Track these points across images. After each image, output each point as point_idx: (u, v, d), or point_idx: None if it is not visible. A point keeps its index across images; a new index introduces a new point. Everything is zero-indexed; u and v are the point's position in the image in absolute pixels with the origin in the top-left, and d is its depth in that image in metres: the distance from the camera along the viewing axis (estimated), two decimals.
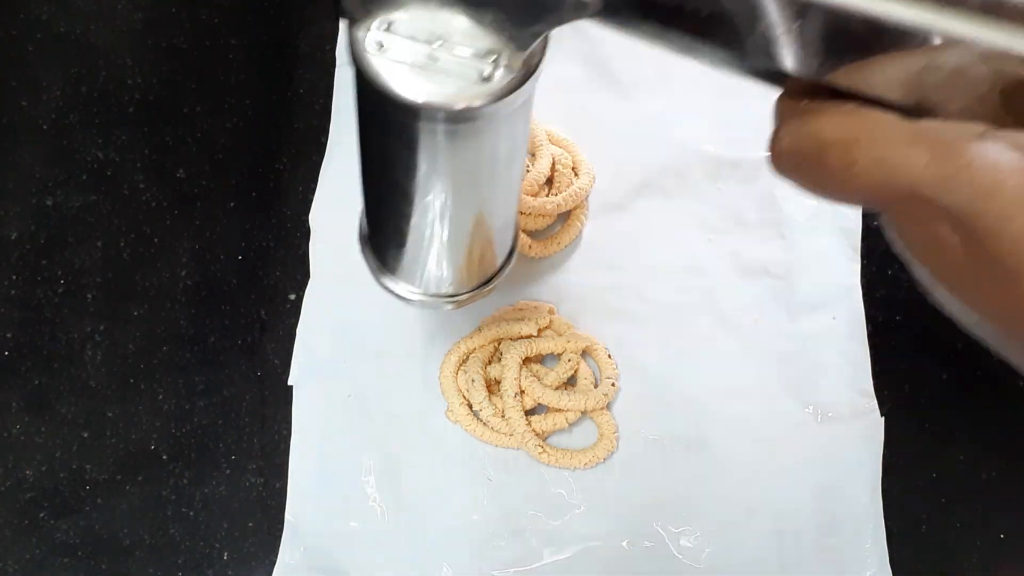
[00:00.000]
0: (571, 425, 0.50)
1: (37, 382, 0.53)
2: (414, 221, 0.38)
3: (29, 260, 0.55)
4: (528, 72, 0.30)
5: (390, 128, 0.32)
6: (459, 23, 0.30)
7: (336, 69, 0.59)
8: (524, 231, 0.54)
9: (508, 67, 0.30)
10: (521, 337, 0.50)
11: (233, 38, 0.61)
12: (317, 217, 0.56)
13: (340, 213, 0.56)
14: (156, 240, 0.56)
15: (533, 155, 0.56)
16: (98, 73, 0.60)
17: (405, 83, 0.29)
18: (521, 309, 0.52)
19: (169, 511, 0.50)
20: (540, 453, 0.49)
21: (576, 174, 0.55)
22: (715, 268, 0.53)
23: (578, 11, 0.30)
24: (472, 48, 0.30)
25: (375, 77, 0.29)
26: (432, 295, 0.44)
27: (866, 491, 0.48)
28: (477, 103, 0.29)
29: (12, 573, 0.49)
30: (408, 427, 0.51)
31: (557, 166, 0.55)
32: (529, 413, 0.50)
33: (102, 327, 0.54)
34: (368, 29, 0.30)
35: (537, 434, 0.49)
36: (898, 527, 0.48)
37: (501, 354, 0.51)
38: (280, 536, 0.49)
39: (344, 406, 0.52)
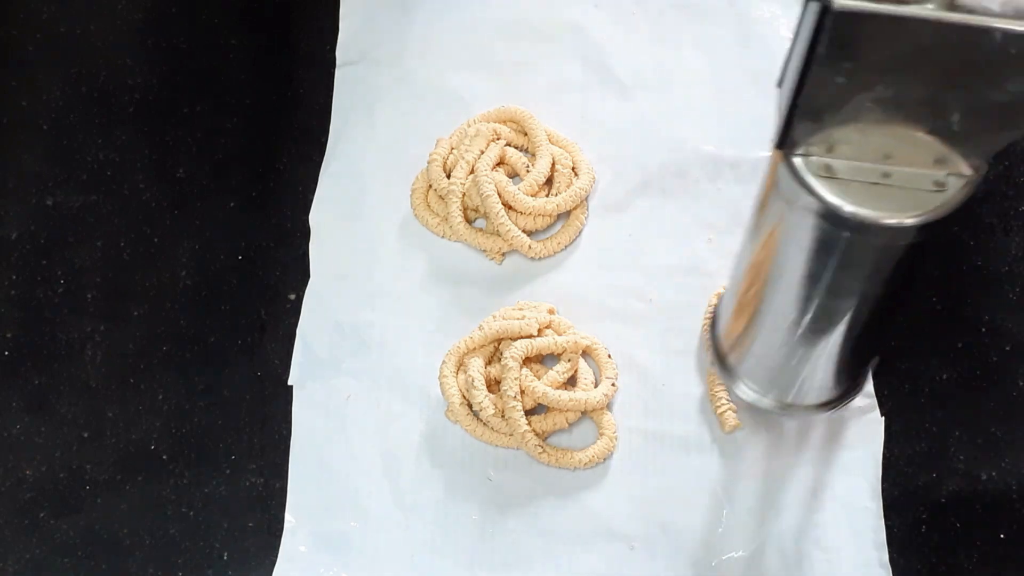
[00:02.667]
0: (571, 425, 0.50)
1: (37, 382, 0.53)
2: (809, 333, 0.38)
3: (29, 260, 0.55)
4: (980, 174, 0.31)
5: (833, 249, 0.32)
6: (906, 137, 0.30)
7: (336, 69, 0.59)
8: (524, 231, 0.54)
9: (959, 175, 0.30)
10: (521, 337, 0.50)
11: (233, 38, 0.61)
12: (317, 217, 0.56)
13: (340, 213, 0.56)
14: (156, 240, 0.56)
15: (533, 155, 0.56)
16: (98, 73, 0.60)
17: (866, 203, 0.30)
18: (521, 309, 0.52)
19: (169, 511, 0.50)
20: (540, 453, 0.49)
21: (576, 174, 0.55)
22: (715, 268, 0.53)
23: None
24: (923, 159, 0.30)
25: (831, 202, 0.30)
26: (801, 405, 0.45)
27: (866, 491, 0.48)
28: (943, 213, 0.30)
29: (12, 573, 0.49)
30: (408, 427, 0.51)
31: (557, 166, 0.55)
32: (529, 413, 0.50)
33: (102, 327, 0.54)
34: (807, 155, 0.31)
35: (537, 434, 0.49)
36: (898, 527, 0.48)
37: (501, 354, 0.51)
38: (280, 536, 0.49)
39: (344, 406, 0.52)
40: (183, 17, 0.62)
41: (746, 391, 0.45)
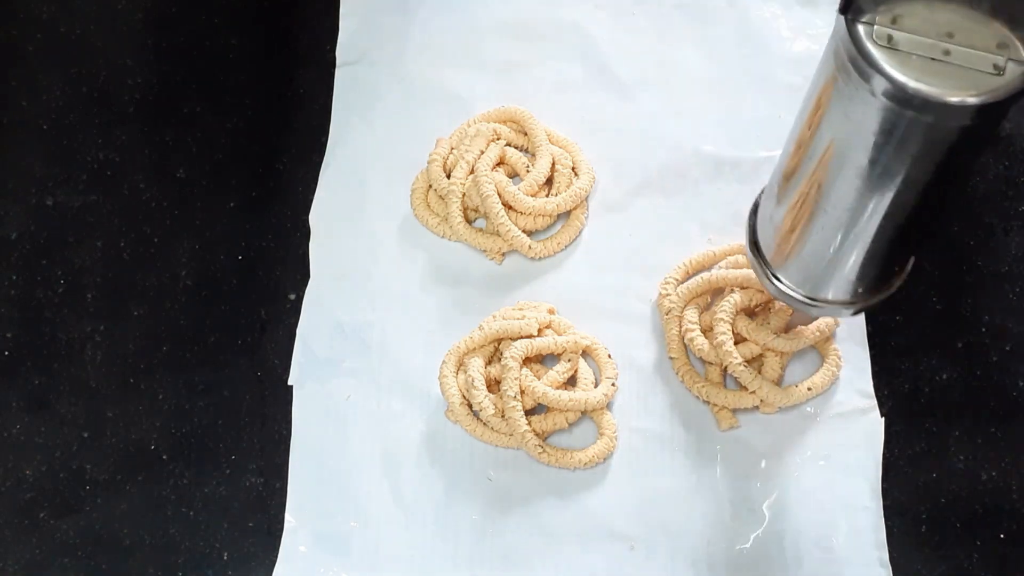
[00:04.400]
0: (571, 425, 0.50)
1: (37, 382, 0.53)
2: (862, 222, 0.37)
3: (29, 260, 0.55)
4: None
5: (885, 124, 0.32)
6: (970, 16, 0.30)
7: (336, 69, 0.59)
8: (524, 231, 0.54)
9: (1019, 60, 0.30)
10: (521, 337, 0.50)
11: (233, 38, 0.61)
12: (317, 217, 0.56)
13: (340, 213, 0.56)
14: (156, 240, 0.56)
15: (533, 155, 0.56)
16: (98, 73, 0.60)
17: (924, 78, 0.30)
18: (521, 309, 0.52)
19: (169, 511, 0.50)
20: (540, 453, 0.49)
21: (576, 174, 0.55)
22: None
23: None
24: (984, 41, 0.30)
25: (890, 73, 0.30)
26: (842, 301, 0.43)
27: (866, 491, 0.48)
28: (999, 96, 0.30)
29: (12, 573, 0.49)
30: (408, 427, 0.51)
31: (557, 166, 0.55)
32: (529, 413, 0.50)
33: (102, 327, 0.54)
34: (873, 23, 0.30)
35: (537, 434, 0.49)
36: (898, 527, 0.48)
37: (501, 354, 0.51)
38: (280, 536, 0.49)
39: (344, 406, 0.52)
40: (183, 17, 0.62)
41: (779, 283, 0.44)
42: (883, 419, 0.50)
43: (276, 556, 0.49)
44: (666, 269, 0.53)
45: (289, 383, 0.52)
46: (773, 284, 0.43)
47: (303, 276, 0.54)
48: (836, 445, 0.49)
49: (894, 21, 0.31)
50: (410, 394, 0.52)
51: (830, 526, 0.48)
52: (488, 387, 0.50)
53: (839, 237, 0.39)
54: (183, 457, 0.51)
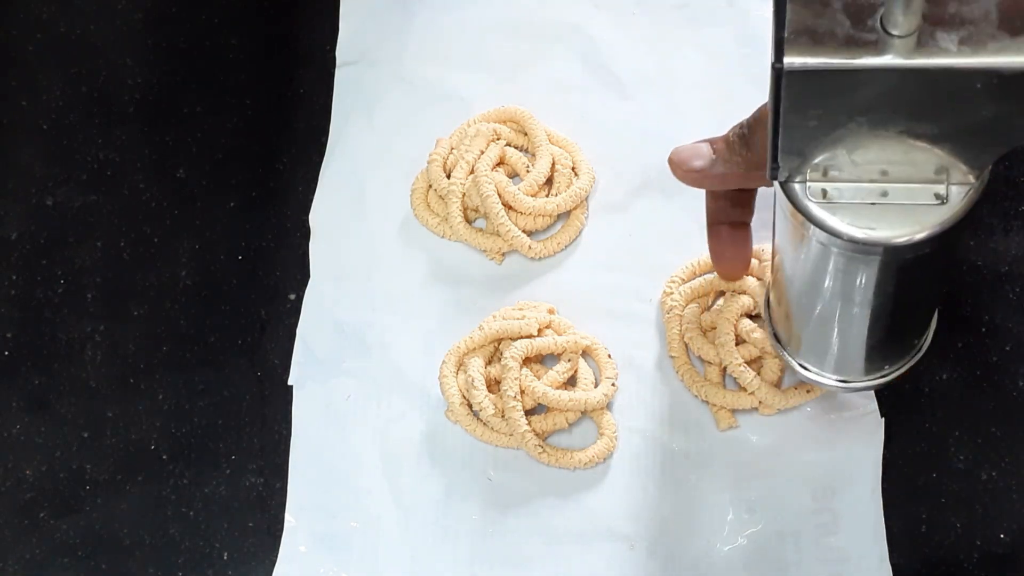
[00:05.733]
0: (571, 425, 0.50)
1: (37, 382, 0.53)
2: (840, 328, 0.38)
3: (29, 260, 0.55)
4: (981, 180, 0.30)
5: (842, 266, 0.32)
6: (901, 147, 0.29)
7: (336, 69, 0.59)
8: (524, 231, 0.54)
9: (960, 183, 0.29)
10: (521, 337, 0.50)
11: (233, 38, 0.61)
12: (317, 217, 0.56)
13: (340, 213, 0.56)
14: (156, 240, 0.56)
15: (533, 155, 0.56)
16: (98, 73, 0.60)
17: (866, 224, 0.29)
18: (521, 309, 0.52)
19: (169, 511, 0.50)
20: (540, 453, 0.49)
21: (576, 174, 0.55)
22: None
23: None
24: (921, 171, 0.29)
25: (833, 228, 0.30)
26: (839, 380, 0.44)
27: (866, 491, 0.48)
28: (946, 226, 0.29)
29: (12, 573, 0.49)
30: (408, 427, 0.51)
31: (557, 166, 0.55)
32: (529, 413, 0.50)
33: (102, 327, 0.54)
34: (805, 181, 0.30)
35: (537, 434, 0.49)
36: (898, 527, 0.48)
37: (501, 354, 0.51)
38: (280, 536, 0.49)
39: (344, 406, 0.52)
40: (183, 17, 0.61)
41: (807, 371, 0.44)
42: (883, 419, 0.50)
43: (276, 556, 0.49)
44: (666, 269, 0.53)
45: (289, 383, 0.52)
46: (803, 371, 0.44)
47: (303, 276, 0.54)
48: (836, 445, 0.49)
49: (825, 174, 0.30)
50: (410, 394, 0.52)
51: (830, 526, 0.48)
52: (488, 387, 0.50)
53: (840, 338, 0.39)
54: (183, 457, 0.51)
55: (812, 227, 0.31)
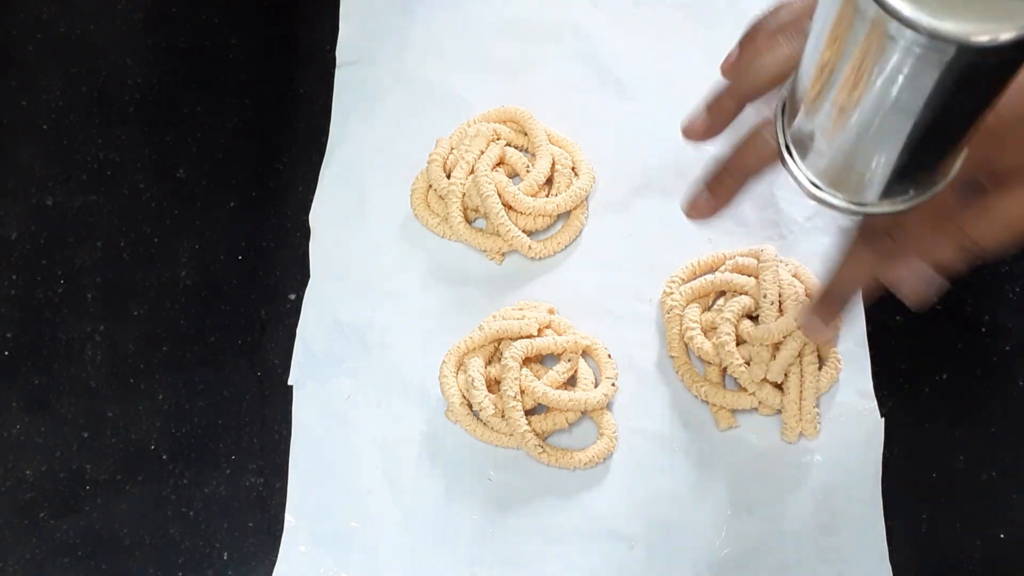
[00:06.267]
0: (571, 425, 0.50)
1: (37, 382, 0.53)
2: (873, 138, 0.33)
3: (29, 260, 0.55)
4: None
5: (910, 72, 0.28)
6: None
7: (336, 69, 0.59)
8: (524, 231, 0.54)
9: None
10: (521, 337, 0.50)
11: (233, 38, 0.61)
12: (317, 217, 0.56)
13: (340, 213, 0.56)
14: (156, 240, 0.56)
15: (533, 155, 0.56)
16: (98, 73, 0.60)
17: (949, 15, 0.25)
18: (521, 309, 0.52)
19: (169, 511, 0.50)
20: (540, 453, 0.49)
21: (576, 174, 0.55)
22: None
23: None
24: None
25: (908, 18, 0.25)
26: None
27: (866, 491, 0.48)
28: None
29: (12, 573, 0.49)
30: (408, 427, 0.51)
31: (557, 166, 0.55)
32: (529, 413, 0.50)
33: (102, 327, 0.54)
34: None
35: (537, 434, 0.49)
36: (898, 527, 0.48)
37: (501, 354, 0.51)
38: (280, 536, 0.49)
39: (344, 406, 0.52)
40: (183, 17, 0.62)
41: (818, 189, 0.38)
42: (883, 419, 0.50)
43: (276, 556, 0.49)
44: (666, 269, 0.53)
45: (289, 383, 0.52)
46: (813, 189, 0.38)
47: (303, 276, 0.54)
48: (836, 445, 0.49)
49: None
50: (410, 394, 0.52)
51: (830, 526, 0.48)
52: (488, 387, 0.50)
53: (871, 149, 0.34)
54: (183, 457, 0.51)
55: (871, 7, 0.26)
